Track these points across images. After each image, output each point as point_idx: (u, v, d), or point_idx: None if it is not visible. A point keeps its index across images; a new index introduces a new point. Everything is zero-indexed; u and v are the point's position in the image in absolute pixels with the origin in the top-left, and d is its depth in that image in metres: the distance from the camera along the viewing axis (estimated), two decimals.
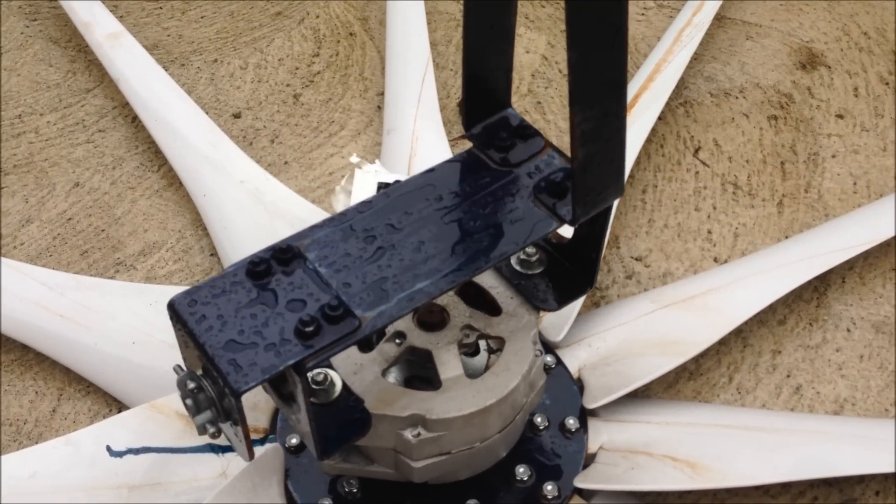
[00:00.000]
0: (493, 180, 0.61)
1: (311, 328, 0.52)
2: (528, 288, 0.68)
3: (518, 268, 0.68)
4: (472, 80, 0.62)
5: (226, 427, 0.57)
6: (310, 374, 0.61)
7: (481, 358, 0.70)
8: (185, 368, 0.57)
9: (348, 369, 0.64)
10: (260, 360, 0.52)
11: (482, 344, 0.70)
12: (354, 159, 0.92)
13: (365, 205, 0.60)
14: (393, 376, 0.67)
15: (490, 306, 0.68)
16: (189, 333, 0.54)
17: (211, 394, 0.55)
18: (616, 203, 0.64)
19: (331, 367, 0.63)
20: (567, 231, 0.63)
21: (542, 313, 0.69)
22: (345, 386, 0.62)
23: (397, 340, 0.67)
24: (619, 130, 0.55)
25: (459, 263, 0.57)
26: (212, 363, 0.52)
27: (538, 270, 0.68)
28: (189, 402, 0.55)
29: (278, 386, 0.57)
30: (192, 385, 0.55)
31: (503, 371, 0.65)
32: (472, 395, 0.63)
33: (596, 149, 0.54)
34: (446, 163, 0.62)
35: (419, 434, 0.63)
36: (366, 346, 0.66)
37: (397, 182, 0.62)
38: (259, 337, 0.53)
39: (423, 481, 0.67)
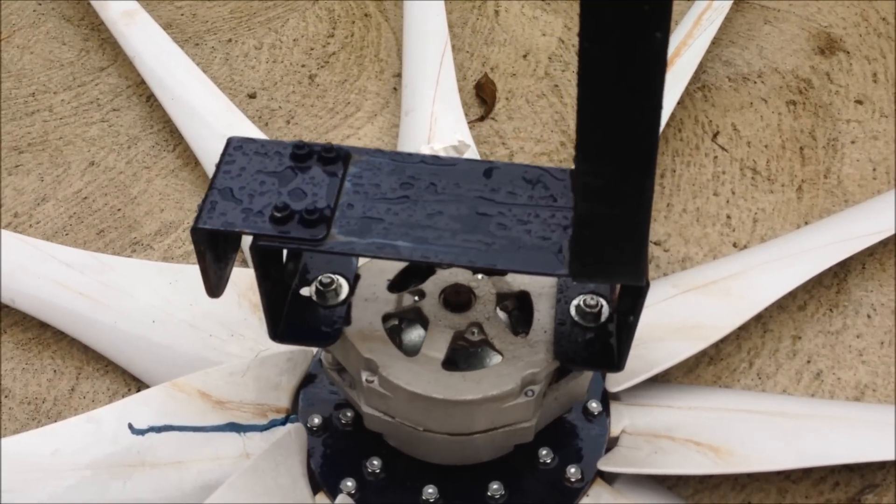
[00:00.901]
0: (555, 204, 0.57)
1: (280, 215, 0.56)
2: (563, 333, 0.64)
3: (571, 311, 0.65)
4: None
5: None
6: (320, 277, 0.65)
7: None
8: None
9: (365, 293, 0.67)
10: (230, 215, 0.56)
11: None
12: (461, 137, 0.92)
13: (435, 160, 0.60)
14: (434, 350, 0.65)
15: (524, 323, 0.67)
16: (217, 165, 0.59)
17: None
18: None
19: (349, 280, 0.66)
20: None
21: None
22: (347, 302, 0.65)
23: (416, 298, 0.67)
24: (640, 208, 0.47)
25: (447, 247, 0.55)
26: (204, 196, 0.57)
27: (587, 324, 0.64)
28: None
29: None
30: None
31: (473, 382, 0.63)
32: (427, 380, 0.62)
33: (604, 213, 0.48)
34: (536, 167, 0.60)
35: (371, 381, 0.63)
36: (395, 287, 0.68)
37: (486, 161, 0.61)
38: (248, 199, 0.57)
39: (374, 431, 0.68)
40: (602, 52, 0.40)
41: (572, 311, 0.65)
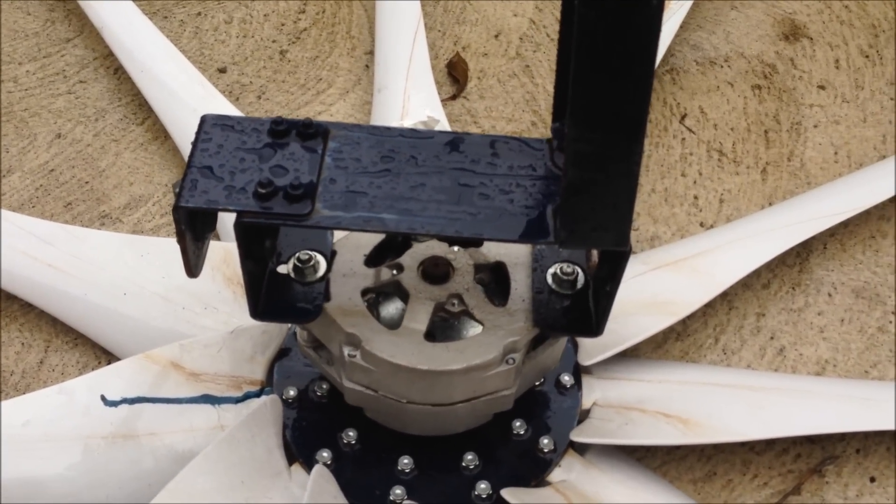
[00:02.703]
0: (534, 174, 0.58)
1: (264, 191, 0.56)
2: (541, 302, 0.65)
3: (548, 279, 0.66)
4: (564, 73, 0.58)
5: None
6: (297, 253, 0.65)
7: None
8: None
9: (342, 269, 0.67)
10: (212, 192, 0.56)
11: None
12: (430, 112, 0.92)
13: (413, 133, 0.60)
14: (415, 321, 0.66)
15: (502, 294, 0.68)
16: (193, 144, 0.58)
17: None
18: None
19: (325, 256, 0.66)
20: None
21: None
22: (325, 278, 0.65)
23: (394, 271, 0.68)
24: (628, 174, 0.49)
25: (433, 218, 0.56)
26: (183, 175, 0.57)
27: (564, 291, 0.65)
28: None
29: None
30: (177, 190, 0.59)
31: (456, 352, 0.64)
32: (410, 352, 0.63)
33: (593, 178, 0.50)
34: (512, 138, 0.60)
35: (353, 356, 0.64)
36: (371, 262, 0.68)
37: (463, 133, 0.61)
38: (229, 177, 0.57)
39: (355, 405, 0.68)
40: (599, 18, 0.41)
41: (549, 280, 0.66)
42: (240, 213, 0.56)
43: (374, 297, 0.69)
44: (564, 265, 0.65)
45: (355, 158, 0.58)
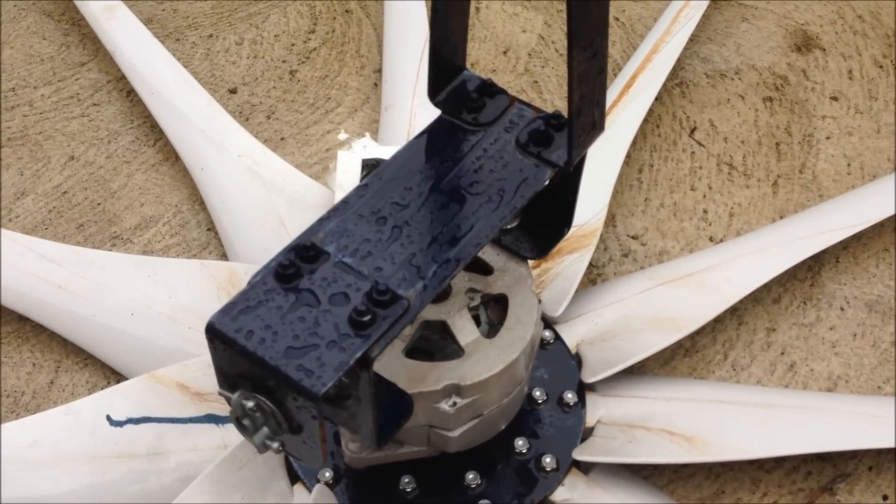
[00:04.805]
0: (475, 141, 0.62)
1: (367, 317, 0.52)
2: (509, 242, 0.70)
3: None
4: (437, 46, 0.62)
5: (288, 438, 0.54)
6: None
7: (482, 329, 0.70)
8: (230, 392, 0.54)
9: None
10: (327, 359, 0.51)
11: (482, 316, 0.70)
12: (342, 136, 0.92)
13: (362, 189, 0.60)
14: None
15: (480, 267, 0.70)
16: (241, 352, 0.51)
17: (269, 408, 0.52)
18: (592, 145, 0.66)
19: None
20: None
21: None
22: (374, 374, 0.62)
23: None
24: (602, 70, 0.58)
25: (478, 225, 0.58)
26: (278, 375, 0.50)
27: (515, 223, 0.69)
28: (246, 422, 0.53)
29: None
30: (251, 404, 0.52)
31: (516, 324, 0.66)
32: (497, 353, 0.65)
33: (587, 90, 0.57)
34: (423, 134, 0.62)
35: (455, 403, 0.64)
36: None
37: (383, 161, 0.62)
38: (316, 337, 0.52)
39: (458, 450, 0.68)
40: None
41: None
42: (364, 355, 0.51)
43: None
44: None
45: (363, 241, 0.56)
